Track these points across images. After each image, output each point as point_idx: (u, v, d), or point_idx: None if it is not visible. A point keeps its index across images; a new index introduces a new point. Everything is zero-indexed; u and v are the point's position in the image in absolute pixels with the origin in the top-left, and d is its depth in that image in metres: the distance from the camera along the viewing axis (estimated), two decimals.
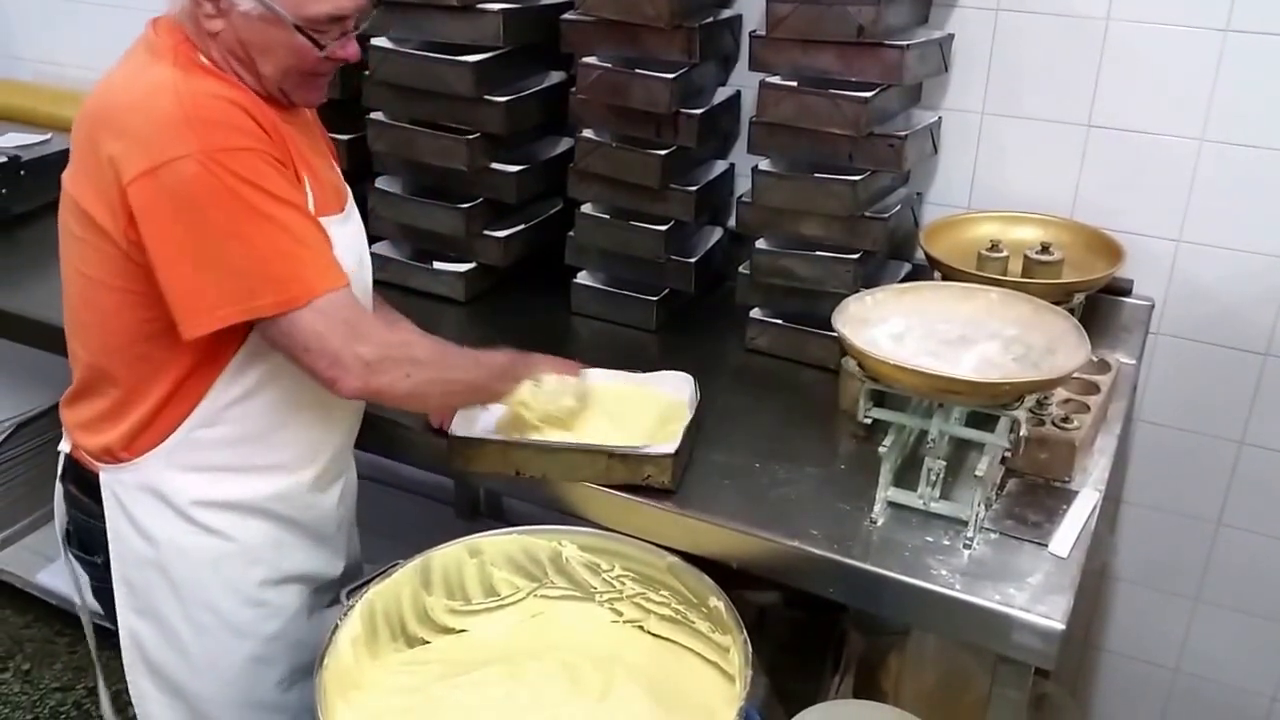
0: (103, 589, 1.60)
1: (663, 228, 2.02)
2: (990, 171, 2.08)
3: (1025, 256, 1.84)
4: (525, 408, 1.62)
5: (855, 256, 1.88)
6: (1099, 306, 1.97)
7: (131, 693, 1.62)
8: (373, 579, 1.48)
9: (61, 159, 1.49)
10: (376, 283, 2.21)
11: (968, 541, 1.47)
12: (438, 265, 2.20)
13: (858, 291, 1.61)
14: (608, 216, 2.08)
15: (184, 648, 1.56)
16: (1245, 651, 2.25)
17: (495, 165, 2.10)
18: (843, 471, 1.65)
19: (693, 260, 2.08)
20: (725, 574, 1.48)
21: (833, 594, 1.50)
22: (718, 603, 1.43)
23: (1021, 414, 1.43)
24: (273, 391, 1.49)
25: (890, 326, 1.56)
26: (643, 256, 2.06)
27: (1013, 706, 1.44)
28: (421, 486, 2.96)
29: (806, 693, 2.04)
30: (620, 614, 1.57)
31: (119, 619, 1.57)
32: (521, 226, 2.19)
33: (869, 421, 1.50)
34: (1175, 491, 2.18)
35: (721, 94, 2.11)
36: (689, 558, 1.50)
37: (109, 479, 1.51)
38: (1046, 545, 1.48)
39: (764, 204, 1.91)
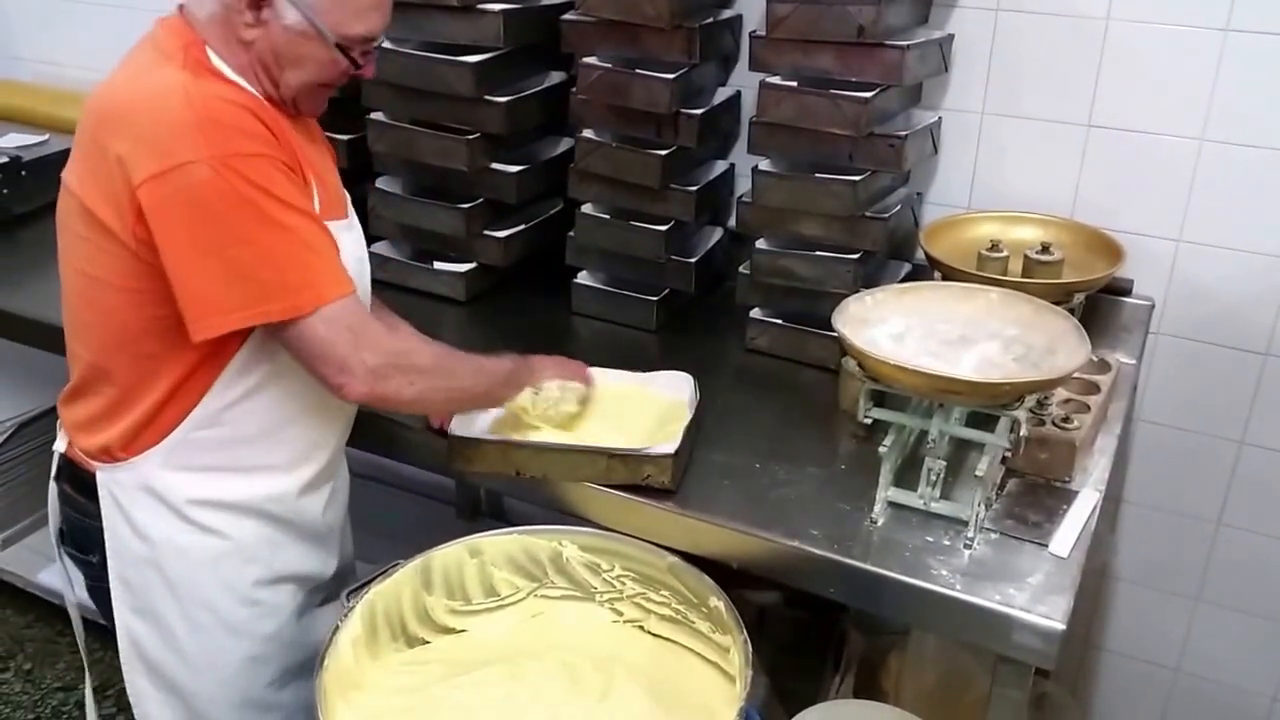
0: (98, 588, 1.60)
1: (663, 228, 2.02)
2: (990, 171, 2.08)
3: (1025, 256, 1.84)
4: (524, 413, 1.63)
5: (855, 256, 1.88)
6: (1099, 306, 1.97)
7: (129, 692, 1.62)
8: (373, 579, 1.49)
9: (62, 159, 1.48)
10: (376, 283, 2.22)
11: (968, 541, 1.47)
12: (438, 265, 2.20)
13: (858, 291, 1.61)
14: (608, 216, 2.08)
15: (181, 647, 1.56)
16: (1246, 651, 2.25)
17: (496, 165, 2.10)
18: (843, 471, 1.65)
19: (693, 260, 2.08)
20: (725, 574, 1.48)
21: (833, 594, 1.50)
22: (718, 603, 1.43)
23: (1022, 414, 1.43)
24: (272, 393, 1.49)
25: (890, 326, 1.56)
26: (643, 256, 2.06)
27: (1013, 706, 1.44)
28: (422, 486, 2.96)
29: (807, 693, 2.04)
30: (620, 614, 1.57)
31: (116, 618, 1.57)
32: (522, 226, 2.19)
33: (869, 421, 1.50)
34: (1175, 491, 2.18)
35: (722, 94, 2.11)
36: (689, 558, 1.51)
37: (105, 478, 1.51)
38: (1047, 545, 1.48)
39: (764, 204, 1.91)
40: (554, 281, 2.19)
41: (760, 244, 1.95)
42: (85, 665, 1.84)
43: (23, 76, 3.18)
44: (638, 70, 1.93)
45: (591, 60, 1.97)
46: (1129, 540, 2.27)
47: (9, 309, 2.12)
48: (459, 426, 1.63)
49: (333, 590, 1.71)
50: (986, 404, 1.45)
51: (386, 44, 2.04)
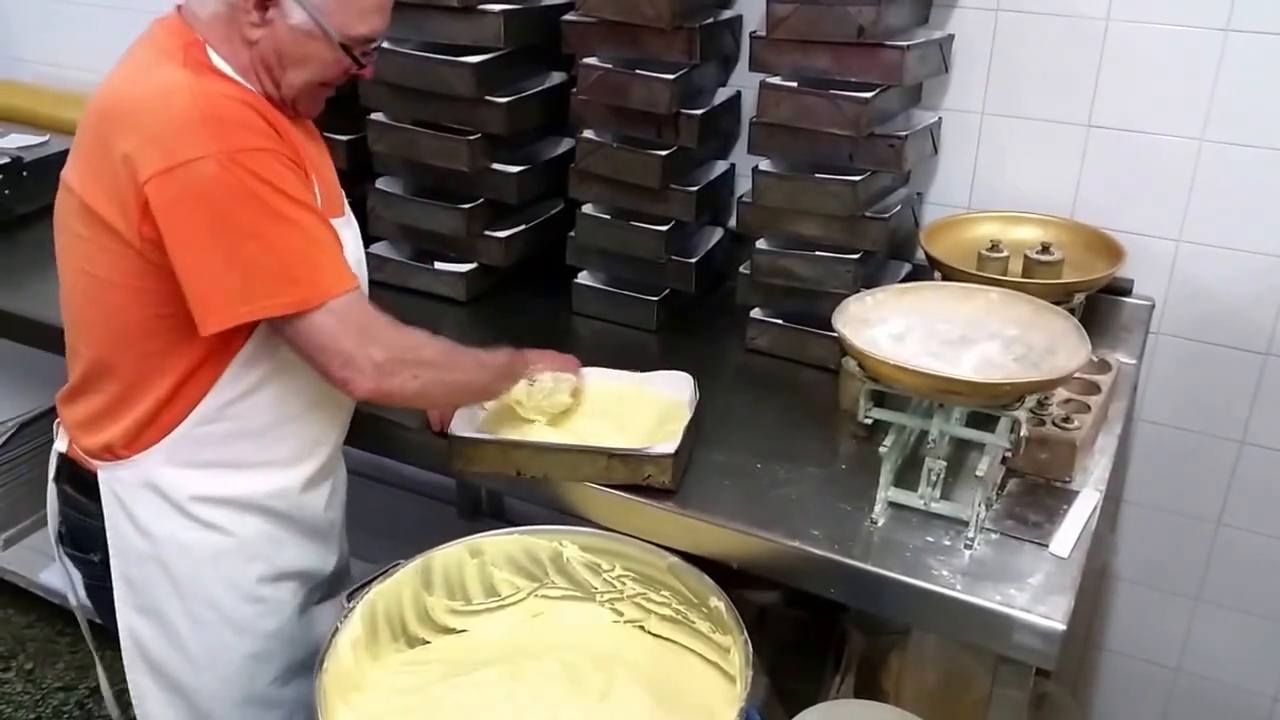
0: (99, 588, 1.60)
1: (663, 228, 2.02)
2: (990, 171, 2.08)
3: (1025, 256, 1.85)
4: (519, 405, 1.64)
5: (855, 256, 1.88)
6: (1099, 306, 1.97)
7: (131, 691, 1.62)
8: (374, 579, 1.49)
9: (63, 160, 1.49)
10: (377, 283, 2.23)
11: (968, 542, 1.48)
12: (439, 265, 2.21)
13: (858, 292, 1.61)
14: (608, 217, 2.08)
15: (184, 645, 1.56)
16: (1246, 651, 2.25)
17: (496, 166, 2.10)
18: (843, 471, 1.65)
19: (693, 260, 2.08)
20: (725, 574, 1.49)
21: (833, 594, 1.50)
22: (718, 603, 1.43)
23: (1022, 414, 1.43)
24: (275, 389, 1.50)
25: (890, 327, 1.56)
26: (643, 257, 2.07)
27: (1013, 706, 1.44)
28: (423, 486, 2.96)
29: (807, 692, 2.04)
30: (621, 614, 1.57)
31: (118, 617, 1.58)
32: (522, 227, 2.19)
33: (869, 422, 1.50)
34: (1176, 491, 2.18)
35: (722, 94, 2.11)
36: (689, 558, 1.51)
37: (107, 476, 1.52)
38: (1047, 545, 1.48)
39: (764, 204, 1.91)
40: (555, 282, 2.19)
41: (760, 244, 1.95)
42: (96, 661, 1.84)
43: (24, 77, 3.18)
44: (638, 71, 1.93)
45: (592, 61, 1.97)
46: (1129, 540, 2.27)
47: (9, 309, 2.13)
48: (459, 426, 1.63)
49: (331, 588, 1.72)
50: (987, 404, 1.45)
51: (386, 44, 2.04)
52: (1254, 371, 2.02)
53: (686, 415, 1.65)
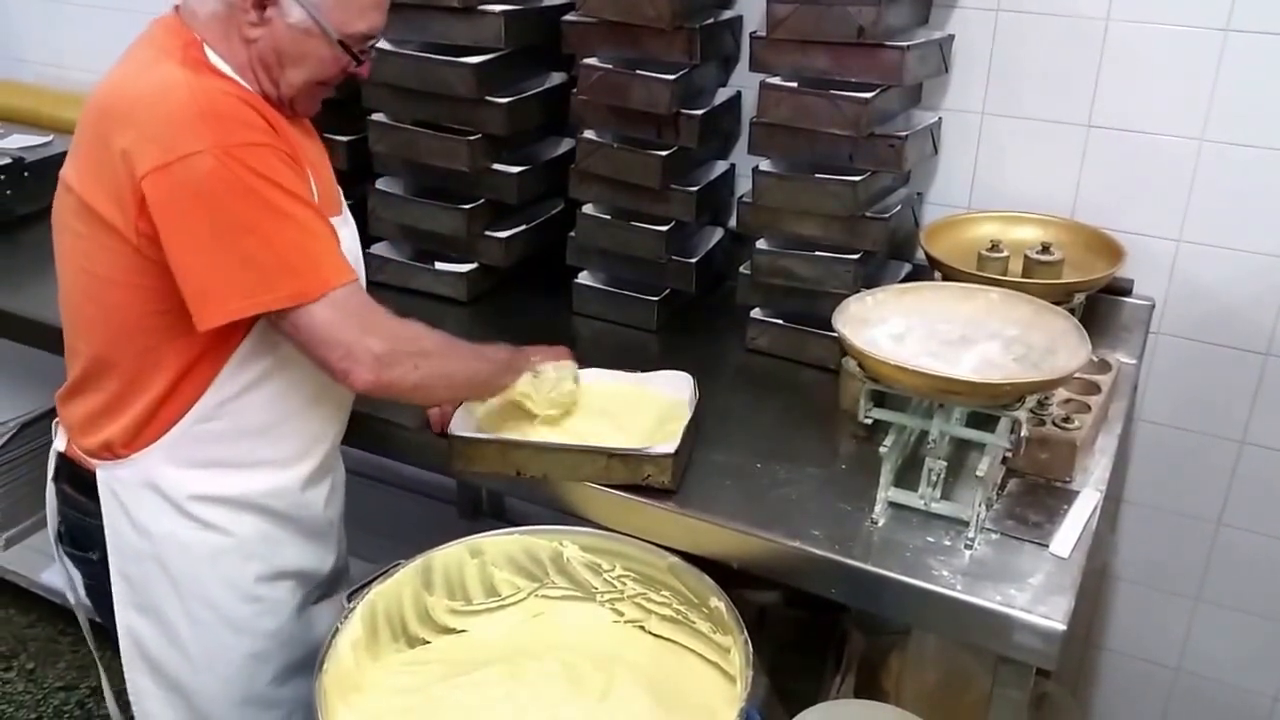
0: (98, 587, 1.61)
1: (663, 228, 2.02)
2: (990, 172, 2.08)
3: (1025, 256, 1.85)
4: (529, 399, 1.63)
5: (855, 257, 1.88)
6: (1099, 306, 1.97)
7: (129, 690, 1.62)
8: (374, 579, 1.49)
9: (64, 160, 1.49)
10: (377, 284, 2.24)
11: (969, 542, 1.48)
12: (439, 266, 2.21)
13: (858, 292, 1.61)
14: (609, 217, 2.08)
15: (183, 644, 1.57)
16: (1246, 651, 2.25)
17: (497, 166, 2.10)
18: (843, 472, 1.65)
19: (693, 260, 2.08)
20: (726, 574, 1.49)
21: (834, 594, 1.50)
22: (718, 603, 1.43)
23: (1022, 414, 1.43)
24: (273, 386, 1.50)
25: (890, 327, 1.56)
26: (644, 257, 2.07)
27: (1014, 706, 1.44)
28: (423, 486, 2.96)
29: (807, 692, 2.04)
30: (621, 614, 1.57)
31: (117, 616, 1.58)
32: (523, 227, 2.19)
33: (869, 422, 1.50)
34: (1176, 491, 2.18)
35: (722, 95, 2.11)
36: (690, 558, 1.51)
37: (106, 475, 1.52)
38: (1047, 545, 1.48)
39: (764, 204, 1.91)
40: (555, 282, 2.19)
41: (760, 244, 1.95)
42: (97, 661, 1.84)
43: (26, 78, 3.18)
44: (638, 71, 1.93)
45: (592, 61, 1.97)
46: (1129, 540, 2.27)
47: (10, 310, 2.13)
48: (459, 426, 1.63)
49: (330, 587, 1.72)
50: (987, 404, 1.45)
51: (387, 45, 2.04)
52: (1254, 371, 2.02)
53: (686, 415, 1.65)
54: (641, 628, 1.56)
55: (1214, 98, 1.87)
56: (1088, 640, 2.40)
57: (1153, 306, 2.01)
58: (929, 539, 1.49)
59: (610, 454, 1.57)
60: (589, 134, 2.04)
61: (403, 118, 2.11)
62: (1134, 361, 1.94)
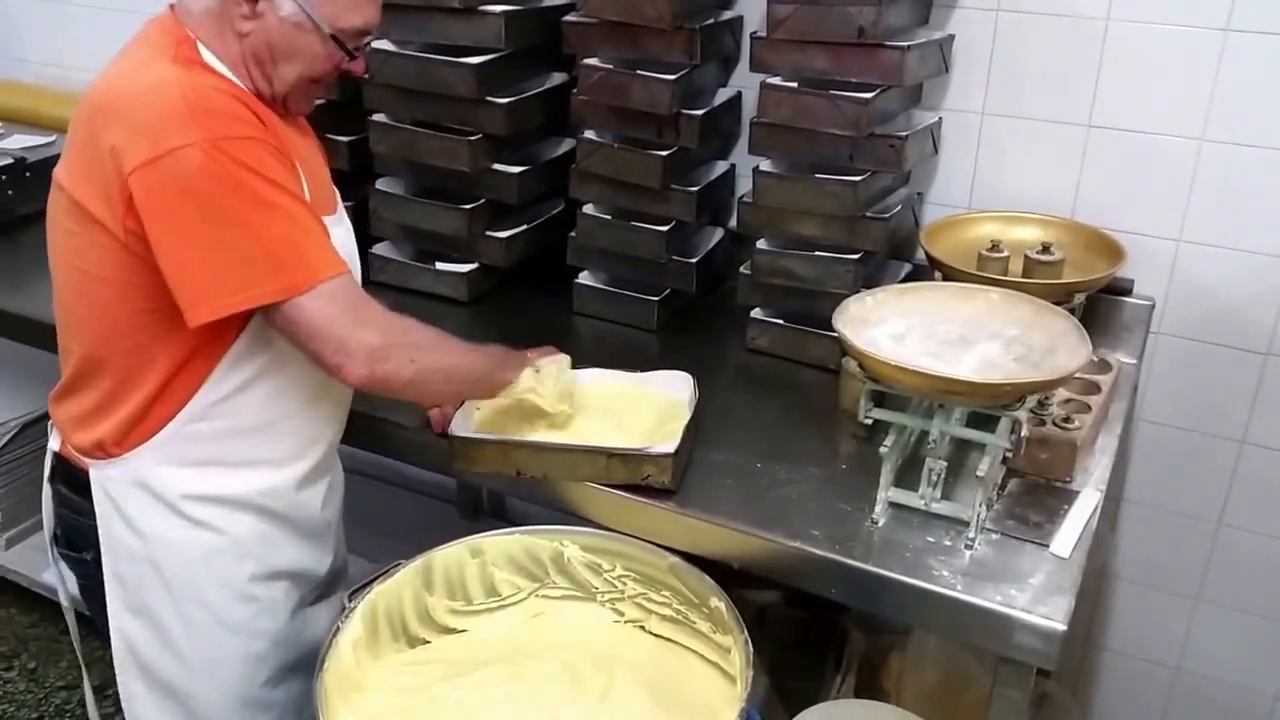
0: (92, 588, 1.59)
1: (664, 228, 2.03)
2: (991, 172, 2.08)
3: (1026, 256, 1.85)
4: (535, 394, 1.62)
5: (856, 257, 1.88)
6: (1099, 306, 1.97)
7: (120, 694, 1.60)
8: (375, 579, 1.49)
9: None
10: (378, 284, 2.24)
11: (969, 542, 1.48)
12: (440, 266, 2.21)
13: (858, 292, 1.62)
14: (609, 217, 2.09)
15: (177, 646, 1.55)
16: (1246, 650, 2.25)
17: (497, 166, 2.11)
18: (844, 472, 1.65)
19: (694, 260, 2.08)
20: (726, 574, 1.49)
21: (834, 594, 1.50)
22: (719, 603, 1.43)
23: (1022, 414, 1.43)
24: (269, 385, 1.49)
25: (891, 327, 1.56)
26: (644, 257, 2.07)
27: (1014, 706, 1.44)
28: (424, 485, 2.96)
29: (808, 692, 2.04)
30: (621, 614, 1.57)
31: (110, 618, 1.57)
32: (523, 227, 2.19)
33: (870, 422, 1.50)
34: (1176, 491, 2.18)
35: (722, 95, 2.11)
36: (690, 558, 1.51)
37: (99, 475, 1.51)
38: (1048, 546, 1.48)
39: (765, 204, 1.92)
40: (555, 282, 2.20)
41: (761, 244, 1.95)
42: (83, 664, 1.84)
43: (26, 78, 3.19)
44: (639, 71, 1.93)
45: (593, 61, 1.98)
46: (1130, 540, 2.27)
47: (11, 309, 2.13)
48: (459, 426, 1.64)
49: (326, 588, 1.71)
50: (987, 404, 1.45)
51: (389, 46, 2.05)
52: (1254, 371, 2.02)
53: (686, 415, 1.65)
54: (642, 628, 1.56)
55: (1214, 98, 1.87)
56: (1088, 640, 2.40)
57: (1153, 306, 2.01)
58: (929, 539, 1.49)
59: (610, 454, 1.57)
60: (589, 134, 2.04)
61: (403, 118, 2.11)
62: (1134, 361, 1.94)
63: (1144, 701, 2.40)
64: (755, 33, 1.87)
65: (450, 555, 1.55)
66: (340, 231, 1.54)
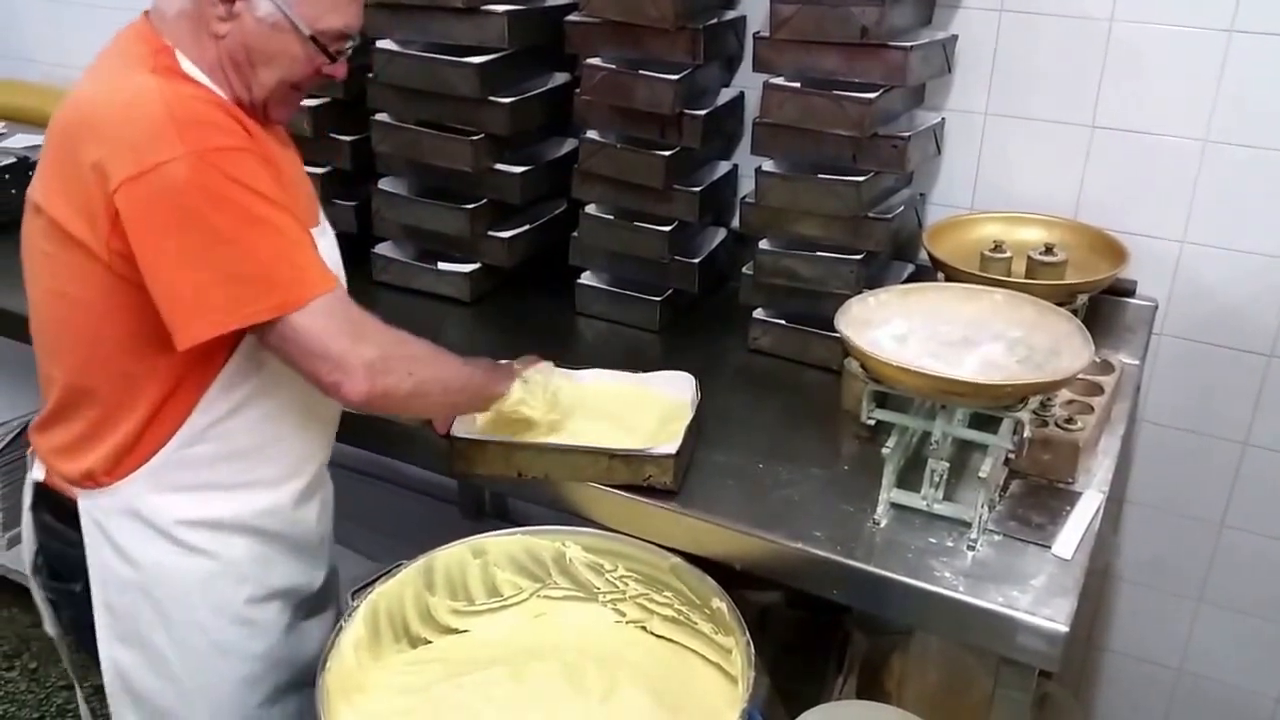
0: (79, 619, 1.53)
1: (666, 228, 2.02)
2: (994, 172, 2.08)
3: (1029, 257, 1.84)
4: (527, 405, 1.61)
5: (858, 257, 1.88)
6: (1102, 307, 1.97)
7: None
8: (377, 579, 1.49)
9: None
10: (380, 284, 2.24)
11: (971, 543, 1.47)
12: (442, 266, 2.21)
13: (861, 292, 1.61)
14: (612, 217, 2.08)
15: (173, 674, 1.50)
16: (1249, 652, 2.25)
17: (500, 166, 2.11)
18: (846, 472, 1.65)
19: (696, 261, 2.08)
20: (728, 574, 1.49)
21: (836, 596, 1.50)
22: (720, 604, 1.43)
23: (1025, 415, 1.43)
24: (260, 407, 1.45)
25: (893, 328, 1.56)
26: (646, 257, 2.07)
27: (1016, 707, 1.44)
28: (426, 486, 2.96)
29: (809, 693, 2.04)
30: (623, 615, 1.57)
31: (100, 649, 1.52)
32: (526, 227, 2.19)
33: (872, 422, 1.50)
34: (1179, 492, 2.18)
35: (725, 95, 2.11)
36: (692, 559, 1.51)
37: (88, 504, 1.45)
38: (1050, 547, 1.47)
39: (767, 205, 1.91)
40: (558, 282, 2.19)
41: (763, 245, 1.95)
42: (74, 681, 1.80)
43: (32, 77, 3.19)
44: (641, 71, 1.93)
45: (595, 61, 1.97)
46: (1132, 541, 2.27)
47: (11, 309, 2.13)
48: (460, 428, 1.63)
49: (319, 601, 1.67)
50: (989, 405, 1.44)
51: (392, 45, 2.05)
52: (1257, 373, 2.02)
53: (688, 415, 1.65)
54: (643, 628, 1.56)
55: (1218, 98, 1.87)
56: (1090, 641, 2.40)
57: (1156, 307, 2.01)
58: (931, 540, 1.49)
59: (612, 455, 1.57)
60: (592, 134, 2.04)
61: (406, 118, 2.11)
62: (1137, 362, 1.94)
63: (1146, 703, 2.40)
64: (758, 33, 1.87)
65: (452, 555, 1.55)
66: (325, 243, 1.49)
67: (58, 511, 1.51)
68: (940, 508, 1.52)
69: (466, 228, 2.12)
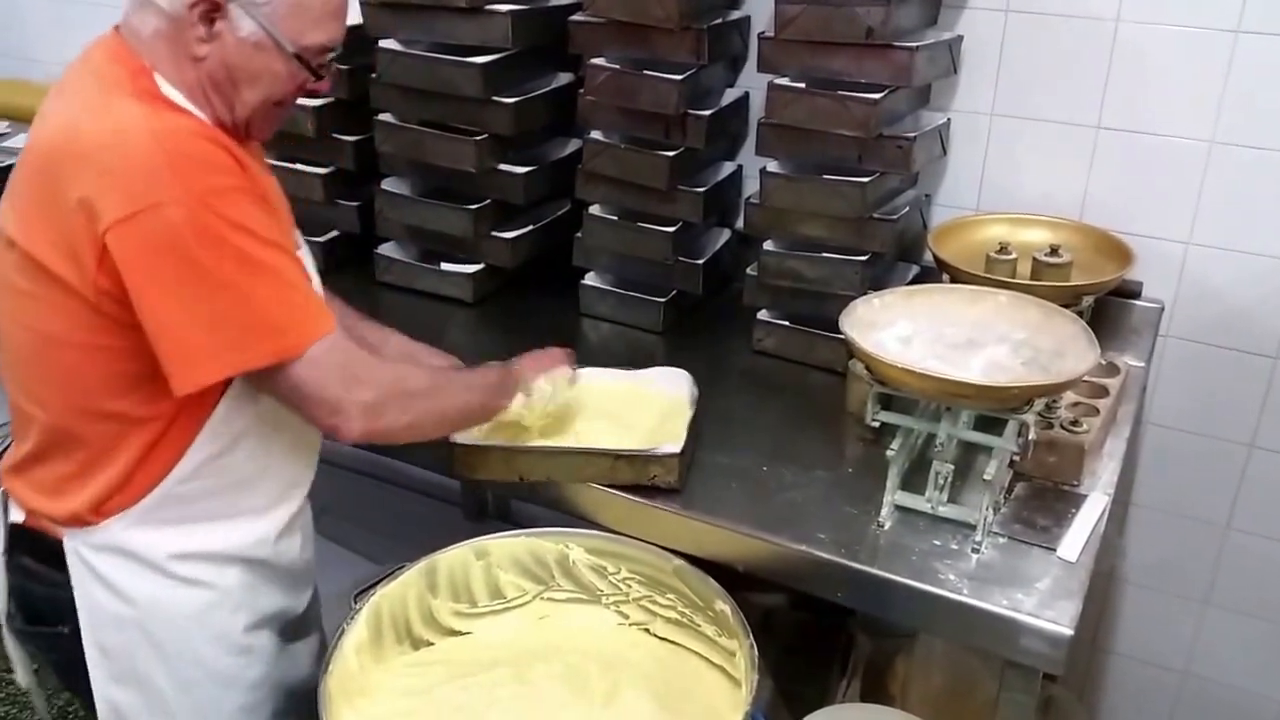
0: (66, 662, 1.47)
1: (670, 229, 2.02)
2: (999, 173, 2.07)
3: (1034, 259, 1.84)
4: (523, 419, 1.61)
5: (863, 258, 1.87)
6: (1108, 309, 1.96)
7: None
8: (379, 581, 1.49)
9: None
10: (384, 285, 2.24)
11: (976, 545, 1.47)
12: (446, 267, 2.20)
13: (865, 294, 1.61)
14: (616, 218, 2.08)
15: (171, 711, 1.46)
16: (1254, 655, 2.24)
17: (503, 166, 2.10)
18: (850, 475, 1.64)
19: (700, 262, 2.07)
20: (731, 576, 1.48)
21: (840, 598, 1.50)
22: (724, 606, 1.43)
23: (1030, 417, 1.42)
24: (253, 440, 1.42)
25: (898, 329, 1.55)
26: (650, 258, 2.06)
27: (1021, 710, 1.44)
28: (429, 487, 2.96)
29: (813, 696, 2.03)
30: (626, 617, 1.57)
31: (95, 691, 1.46)
32: (529, 228, 2.19)
33: (876, 424, 1.50)
34: (1184, 495, 2.17)
35: (730, 95, 2.11)
36: (695, 561, 1.50)
37: (74, 544, 1.40)
38: (1055, 549, 1.47)
39: (772, 205, 1.91)
40: (561, 283, 2.19)
41: (768, 245, 1.94)
42: None
43: (36, 77, 3.19)
44: (646, 71, 1.92)
45: (599, 61, 1.97)
46: (1137, 543, 2.26)
47: None
48: (461, 434, 1.62)
49: (303, 626, 1.63)
50: (994, 407, 1.44)
51: (395, 45, 2.04)
52: (1264, 375, 2.01)
53: (687, 412, 1.64)
54: (647, 631, 1.55)
55: (1224, 99, 1.86)
56: (1095, 644, 2.39)
57: (1162, 309, 2.00)
58: (936, 542, 1.48)
59: (616, 455, 1.56)
60: (596, 134, 2.04)
61: (409, 118, 2.10)
62: (1143, 364, 1.93)
63: (1151, 706, 2.39)
64: (763, 33, 1.86)
65: (455, 557, 1.55)
66: (306, 260, 1.44)
67: (39, 553, 1.43)
68: (945, 510, 1.52)
69: (470, 228, 2.12)
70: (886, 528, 1.51)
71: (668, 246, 2.03)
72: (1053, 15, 1.93)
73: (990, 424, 1.48)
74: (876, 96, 1.77)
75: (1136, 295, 2.00)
